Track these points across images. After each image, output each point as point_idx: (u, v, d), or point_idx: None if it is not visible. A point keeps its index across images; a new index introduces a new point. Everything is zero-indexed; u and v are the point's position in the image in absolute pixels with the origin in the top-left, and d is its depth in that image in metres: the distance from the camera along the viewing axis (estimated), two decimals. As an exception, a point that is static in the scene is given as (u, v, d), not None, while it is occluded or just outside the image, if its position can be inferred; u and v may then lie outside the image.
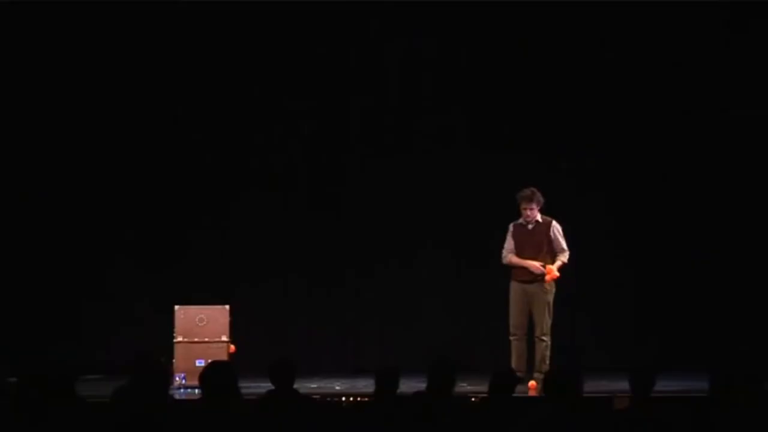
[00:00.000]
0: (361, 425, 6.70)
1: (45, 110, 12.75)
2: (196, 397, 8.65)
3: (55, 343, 12.10)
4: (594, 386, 9.42)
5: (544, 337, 10.61)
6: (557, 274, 10.57)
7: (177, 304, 11.14)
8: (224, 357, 10.68)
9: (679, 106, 12.83)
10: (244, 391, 6.22)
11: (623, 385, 6.90)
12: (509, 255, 10.68)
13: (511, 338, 10.60)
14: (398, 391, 6.99)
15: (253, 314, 12.08)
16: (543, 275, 10.53)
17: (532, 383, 10.01)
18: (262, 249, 12.96)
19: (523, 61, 12.86)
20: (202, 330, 11.04)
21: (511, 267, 10.67)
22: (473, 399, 7.99)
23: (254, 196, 12.93)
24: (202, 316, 11.07)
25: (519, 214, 10.70)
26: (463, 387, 9.34)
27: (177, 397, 10.05)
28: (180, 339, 11.01)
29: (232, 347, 11.01)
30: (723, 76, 12.77)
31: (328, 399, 9.54)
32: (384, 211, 12.88)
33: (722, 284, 12.61)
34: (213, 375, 6.12)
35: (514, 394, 6.87)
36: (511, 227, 10.76)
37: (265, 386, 6.97)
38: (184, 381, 10.75)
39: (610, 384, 9.99)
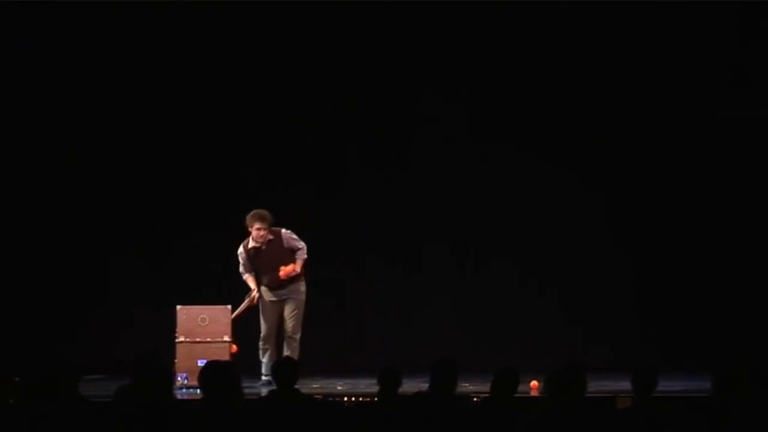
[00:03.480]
0: (363, 425, 6.70)
1: (45, 112, 12.74)
2: (197, 397, 8.66)
3: (58, 343, 12.10)
4: (596, 386, 9.41)
5: (296, 336, 11.12)
6: (289, 269, 11.07)
7: (179, 304, 11.15)
8: (226, 357, 10.67)
9: (680, 105, 12.82)
10: (246, 390, 6.22)
11: (626, 384, 6.90)
12: (246, 274, 11.18)
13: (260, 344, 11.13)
14: (400, 391, 7.00)
15: (255, 314, 12.05)
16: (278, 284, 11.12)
17: (534, 383, 10.00)
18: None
19: (523, 60, 12.84)
20: (204, 330, 11.03)
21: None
22: (475, 399, 8.00)
23: (256, 195, 12.91)
24: (204, 316, 11.07)
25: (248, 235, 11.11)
26: (465, 387, 9.34)
27: (179, 396, 10.04)
28: (182, 339, 11.00)
29: (234, 347, 11.01)
30: (722, 76, 12.77)
31: (330, 399, 9.54)
32: (386, 210, 12.88)
33: (726, 284, 12.59)
34: (213, 375, 6.13)
35: (516, 394, 6.87)
36: (242, 252, 11.15)
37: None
38: (186, 381, 10.75)
39: (612, 384, 9.98)
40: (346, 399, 9.63)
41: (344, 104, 12.96)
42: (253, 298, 11.14)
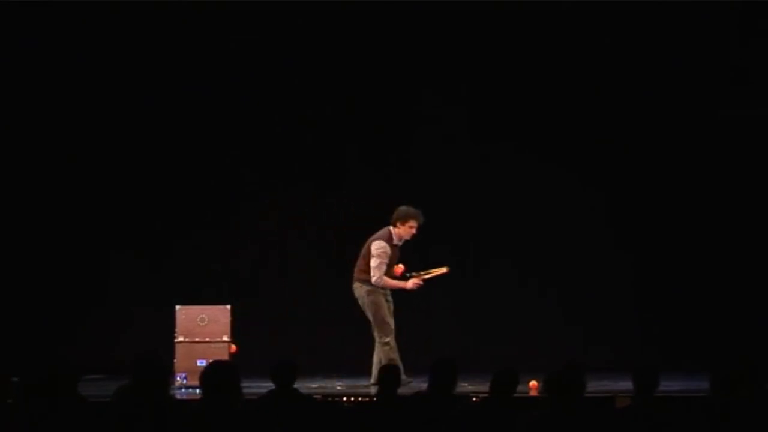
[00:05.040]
0: (363, 425, 6.70)
1: (46, 112, 12.75)
2: (197, 397, 8.66)
3: (58, 343, 12.10)
4: (596, 386, 9.42)
5: None
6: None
7: (179, 304, 11.15)
8: (225, 357, 10.67)
9: (680, 105, 12.82)
10: (245, 390, 6.22)
11: (625, 384, 6.89)
12: (385, 277, 10.85)
13: (392, 342, 10.90)
14: (400, 391, 7.00)
15: (254, 314, 12.06)
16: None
17: (533, 383, 10.00)
18: (264, 248, 12.97)
19: (523, 60, 12.84)
20: (204, 330, 11.03)
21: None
22: (475, 399, 8.00)
23: (256, 195, 12.93)
24: (204, 316, 11.07)
25: (390, 233, 10.90)
26: (464, 387, 9.34)
27: (178, 396, 10.04)
28: (181, 339, 11.00)
29: (233, 347, 11.01)
30: (722, 76, 12.77)
31: (329, 399, 9.54)
32: (386, 209, 12.85)
33: (726, 284, 12.59)
34: (213, 375, 6.12)
35: (516, 394, 6.87)
36: (388, 249, 10.83)
37: (266, 386, 6.97)
38: (185, 381, 10.76)
39: (612, 384, 9.99)
40: (345, 399, 9.63)
41: (344, 104, 12.96)
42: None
